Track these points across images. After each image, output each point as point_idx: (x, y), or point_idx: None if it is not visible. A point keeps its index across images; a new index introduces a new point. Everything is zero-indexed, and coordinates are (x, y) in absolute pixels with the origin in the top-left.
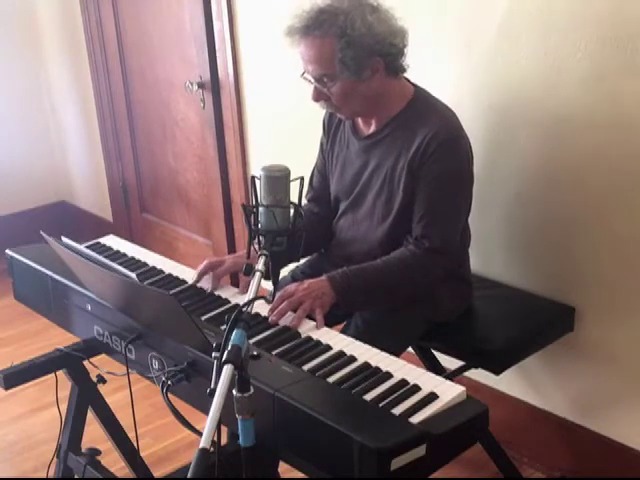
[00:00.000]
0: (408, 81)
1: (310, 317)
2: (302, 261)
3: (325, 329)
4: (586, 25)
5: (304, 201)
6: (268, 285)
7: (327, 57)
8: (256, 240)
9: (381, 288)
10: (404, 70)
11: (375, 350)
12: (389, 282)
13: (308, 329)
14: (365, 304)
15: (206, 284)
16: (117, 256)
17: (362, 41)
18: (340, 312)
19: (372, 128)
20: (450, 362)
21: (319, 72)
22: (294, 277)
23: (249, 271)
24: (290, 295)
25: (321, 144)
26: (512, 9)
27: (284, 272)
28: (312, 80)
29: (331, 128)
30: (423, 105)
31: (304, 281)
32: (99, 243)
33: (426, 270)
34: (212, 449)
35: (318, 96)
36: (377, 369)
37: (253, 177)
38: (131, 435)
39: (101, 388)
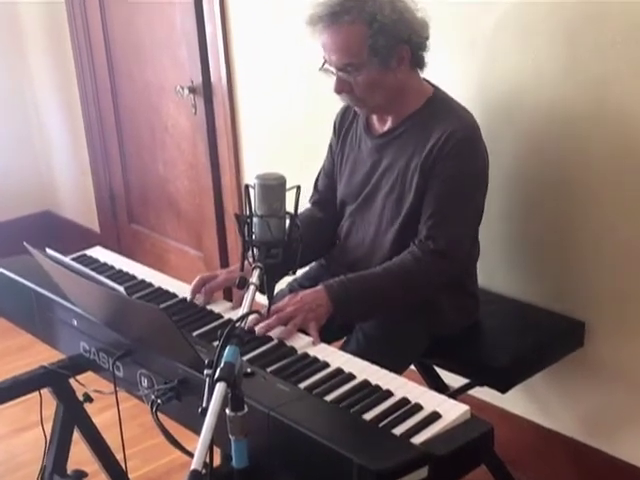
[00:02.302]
0: (427, 82)
1: (306, 333)
2: (300, 272)
3: (323, 345)
4: (596, 25)
5: (307, 205)
6: (263, 299)
7: (356, 44)
8: (250, 252)
9: (381, 297)
10: (425, 64)
11: (375, 367)
12: (390, 290)
13: (304, 345)
14: (364, 314)
15: (200, 299)
16: (104, 269)
17: (394, 27)
18: (335, 326)
19: (387, 125)
20: (454, 380)
21: (344, 61)
22: (292, 290)
23: (243, 284)
24: (280, 309)
25: (330, 146)
26: (519, 7)
27: (281, 284)
28: (334, 71)
29: (342, 129)
30: (442, 104)
31: (297, 293)
32: (85, 255)
33: (428, 276)
34: (204, 471)
35: (342, 87)
36: (377, 387)
37: (247, 186)
38: (119, 456)
39: (88, 407)
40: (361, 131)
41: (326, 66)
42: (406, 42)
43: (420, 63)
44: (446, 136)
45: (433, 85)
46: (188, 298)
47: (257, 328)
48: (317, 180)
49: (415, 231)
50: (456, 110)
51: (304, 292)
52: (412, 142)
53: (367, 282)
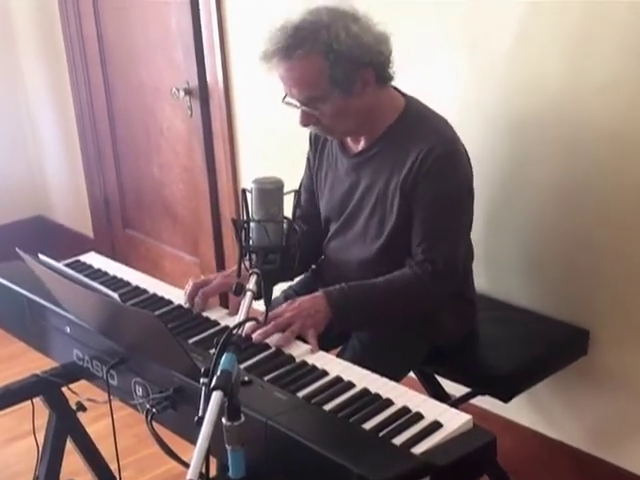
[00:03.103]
0: (397, 91)
1: (304, 340)
2: (295, 280)
3: (321, 353)
4: (606, 28)
5: None
6: (260, 306)
7: (314, 77)
8: (247, 257)
9: (380, 307)
10: (392, 78)
11: (374, 375)
12: (389, 301)
13: (302, 353)
14: (362, 323)
15: (209, 313)
16: (98, 275)
17: (351, 54)
18: (333, 334)
19: (361, 145)
20: (455, 388)
21: (306, 95)
22: (287, 297)
23: (239, 291)
24: (278, 316)
25: (308, 160)
26: (525, 8)
27: (276, 292)
28: (298, 104)
29: (318, 144)
30: (415, 117)
31: (296, 299)
32: (79, 261)
33: (429, 293)
34: None
35: (307, 120)
36: (377, 396)
37: (244, 190)
38: (113, 467)
39: (81, 416)
40: (336, 149)
41: (287, 99)
42: (368, 65)
43: (386, 79)
44: (424, 154)
45: (404, 95)
46: (185, 305)
47: (254, 335)
48: (298, 195)
49: (397, 249)
50: (431, 122)
51: (302, 298)
52: (389, 162)
53: (367, 291)
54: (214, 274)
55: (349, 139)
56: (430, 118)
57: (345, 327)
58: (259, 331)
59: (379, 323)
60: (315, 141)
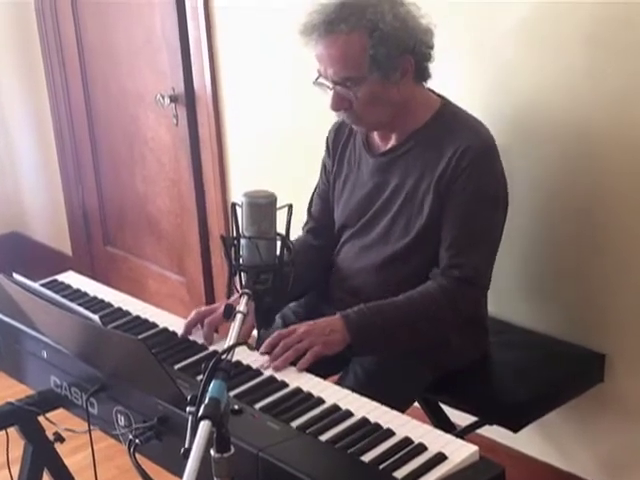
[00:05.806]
0: (433, 92)
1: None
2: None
3: (317, 379)
4: (616, 29)
5: (300, 232)
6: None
7: (355, 56)
8: (237, 277)
9: (403, 329)
10: (429, 76)
11: (374, 404)
12: (412, 318)
13: (296, 379)
14: (383, 346)
15: (197, 336)
16: (77, 295)
17: (396, 36)
18: (349, 357)
19: (391, 143)
20: (461, 417)
21: (343, 75)
22: (284, 318)
23: (229, 313)
24: (289, 334)
25: (324, 166)
26: (532, 7)
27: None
28: (331, 85)
29: (337, 147)
30: (451, 117)
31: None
32: (56, 280)
33: (455, 304)
34: None
35: (339, 104)
36: (376, 426)
37: (234, 204)
38: None
39: (58, 447)
40: (360, 149)
41: (321, 80)
42: (410, 52)
43: (424, 75)
44: (460, 152)
45: (440, 96)
46: (181, 333)
47: (265, 364)
48: (310, 205)
49: (421, 254)
50: (467, 122)
51: (319, 319)
52: (420, 161)
53: (388, 311)
54: (218, 303)
55: (377, 137)
56: (466, 118)
57: (364, 352)
58: (266, 357)
59: (402, 343)
60: (333, 146)
